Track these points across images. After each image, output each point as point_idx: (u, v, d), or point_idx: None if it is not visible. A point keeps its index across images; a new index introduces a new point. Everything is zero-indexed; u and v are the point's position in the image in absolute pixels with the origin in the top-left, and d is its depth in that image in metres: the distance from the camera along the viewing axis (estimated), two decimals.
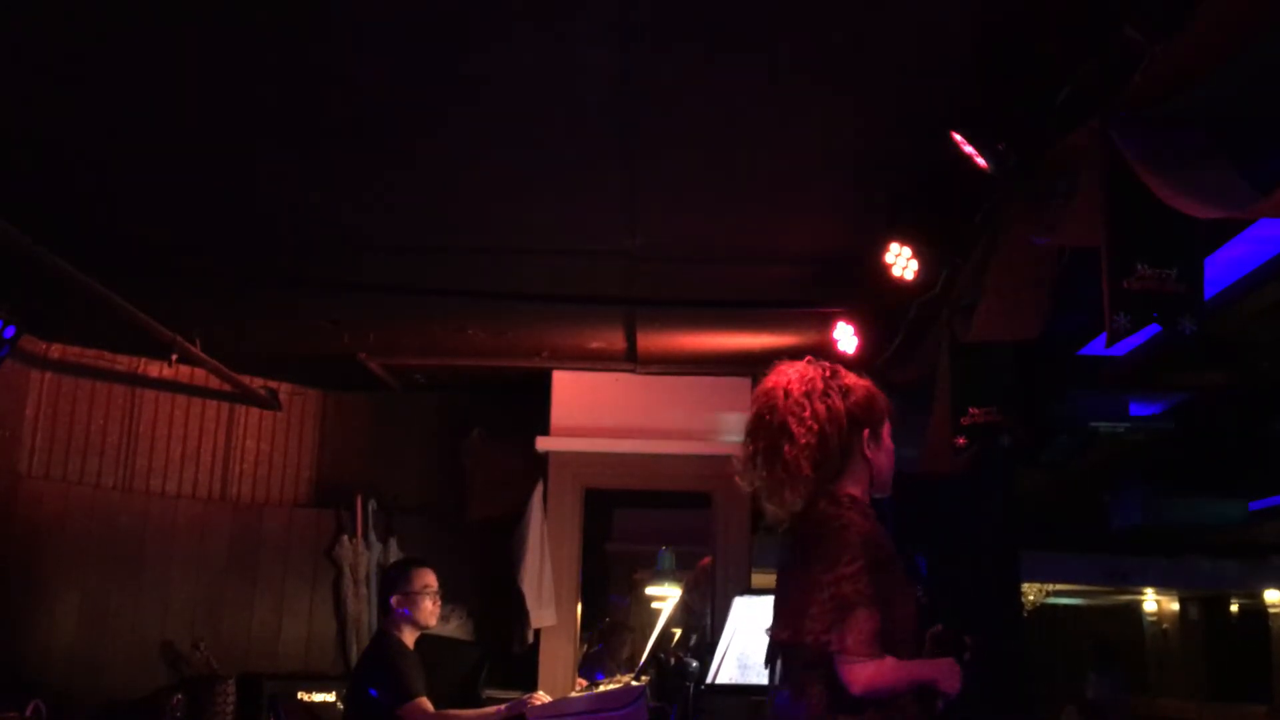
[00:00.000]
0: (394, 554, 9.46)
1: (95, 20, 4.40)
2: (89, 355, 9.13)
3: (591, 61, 4.62)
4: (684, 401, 9.16)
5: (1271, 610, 18.89)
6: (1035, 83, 4.23)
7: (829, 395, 3.41)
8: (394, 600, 5.99)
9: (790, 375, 3.47)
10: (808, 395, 3.42)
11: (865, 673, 3.13)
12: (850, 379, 3.49)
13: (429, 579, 6.07)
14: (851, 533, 3.24)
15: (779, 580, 3.50)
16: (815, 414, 3.38)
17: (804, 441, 3.36)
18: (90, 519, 8.93)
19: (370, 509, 9.69)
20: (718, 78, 4.75)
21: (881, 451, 3.47)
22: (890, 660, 3.17)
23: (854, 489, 3.41)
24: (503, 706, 6.03)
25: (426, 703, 5.73)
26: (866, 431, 3.42)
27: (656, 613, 9.80)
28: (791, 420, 3.39)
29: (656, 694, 7.09)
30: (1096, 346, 6.88)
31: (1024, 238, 4.69)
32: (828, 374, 3.48)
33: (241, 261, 7.16)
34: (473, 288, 7.43)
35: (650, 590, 11.21)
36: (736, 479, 3.55)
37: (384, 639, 6.03)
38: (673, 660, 7.58)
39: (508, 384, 9.60)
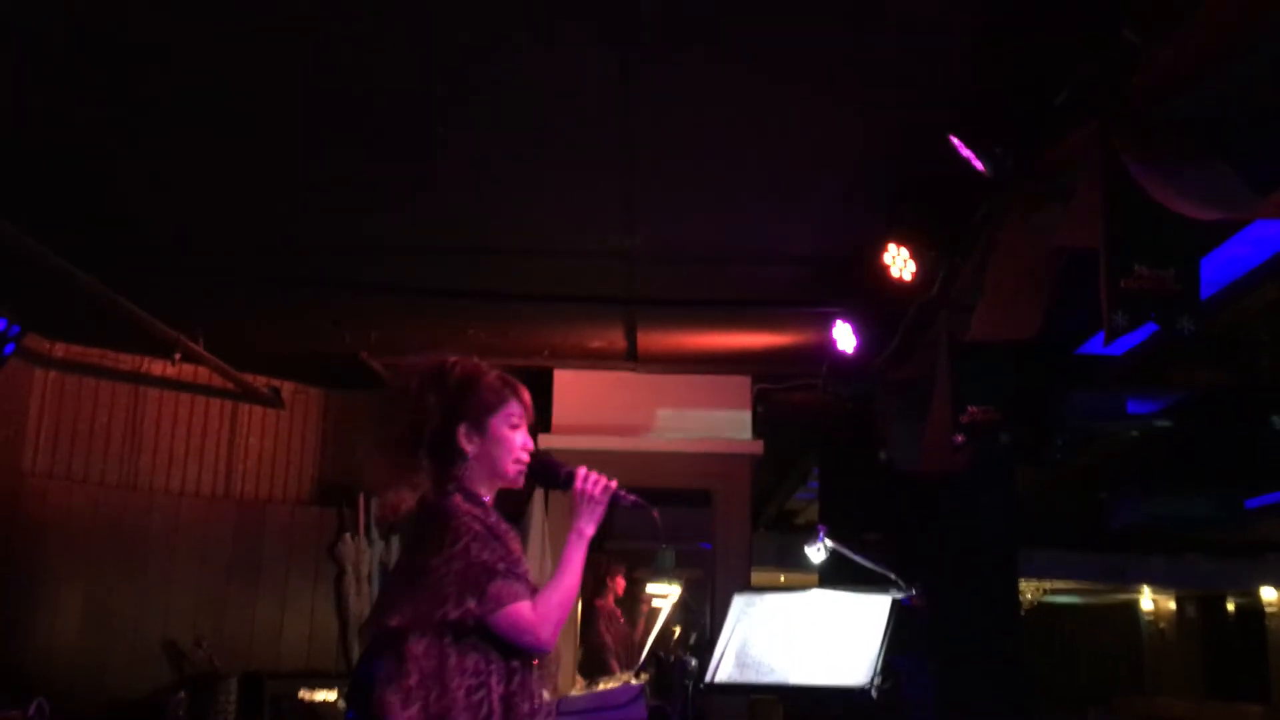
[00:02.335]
0: (395, 552, 9.45)
1: (103, 22, 4.42)
2: (93, 354, 9.14)
3: (592, 63, 4.64)
4: (684, 401, 9.18)
5: (1268, 609, 18.92)
6: (1033, 84, 4.25)
7: (428, 391, 3.36)
8: None
9: (407, 370, 3.45)
10: (401, 392, 3.42)
11: (535, 615, 3.17)
12: (453, 371, 3.41)
13: None
14: (453, 517, 3.21)
15: (393, 571, 3.43)
16: (414, 410, 3.35)
17: (394, 436, 3.34)
18: (94, 517, 8.94)
19: (373, 507, 9.70)
20: (717, 79, 4.76)
21: (487, 442, 3.36)
22: (545, 594, 3.22)
23: (467, 481, 3.34)
24: None
25: None
26: (462, 427, 3.33)
27: (656, 611, 9.82)
28: (389, 419, 3.40)
29: (656, 692, 7.11)
30: (1094, 346, 6.90)
31: (1022, 238, 4.70)
32: (427, 369, 3.42)
33: (244, 261, 7.17)
34: (474, 288, 7.45)
35: (650, 588, 11.24)
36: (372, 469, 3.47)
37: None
38: (672, 658, 7.61)
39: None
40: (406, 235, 6.74)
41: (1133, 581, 19.51)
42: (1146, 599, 20.94)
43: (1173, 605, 20.65)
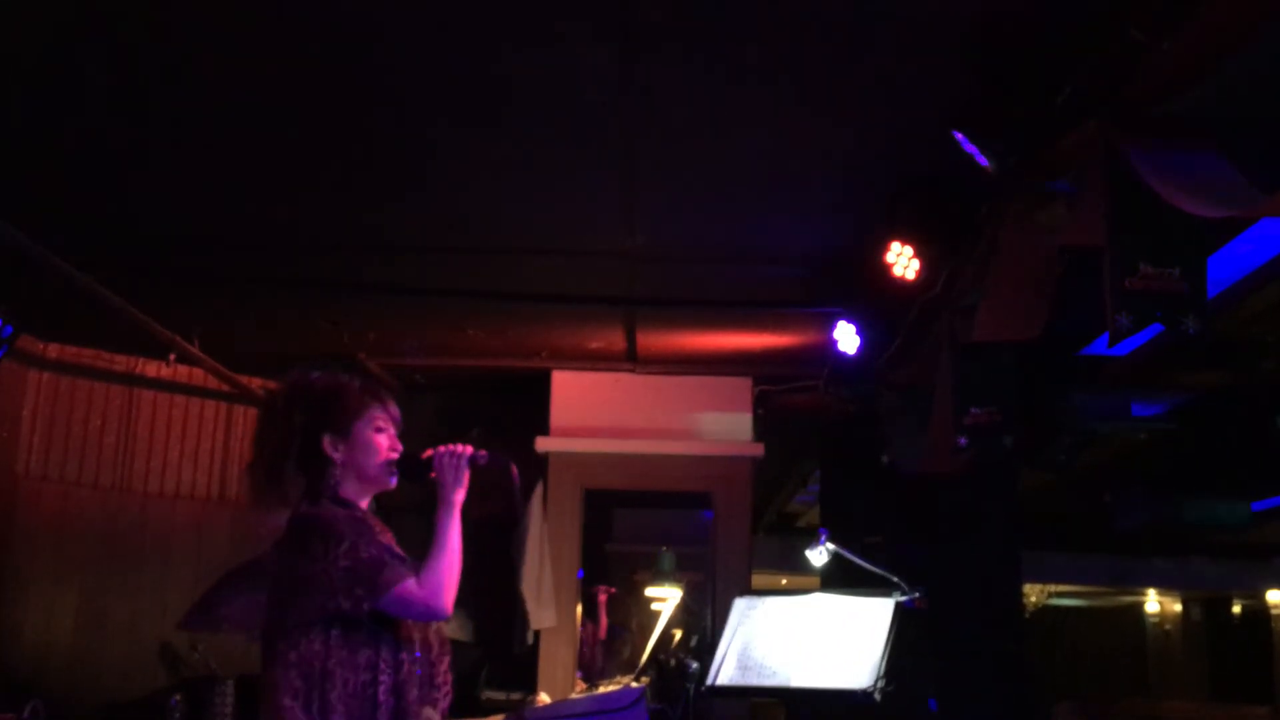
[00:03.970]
0: None
1: (100, 24, 4.42)
2: (87, 355, 9.10)
3: (592, 63, 4.62)
4: (684, 401, 9.15)
5: (1274, 611, 18.91)
6: (1037, 81, 4.23)
7: (293, 407, 3.50)
8: None
9: (266, 393, 3.64)
10: (269, 412, 3.58)
11: (423, 589, 3.32)
12: (313, 383, 3.56)
13: None
14: (328, 523, 3.34)
15: (273, 581, 3.49)
16: (271, 432, 3.50)
17: (263, 455, 3.50)
18: (88, 519, 8.90)
19: (370, 509, 9.65)
20: (717, 77, 4.74)
21: (354, 448, 3.50)
22: (426, 567, 3.37)
23: (338, 489, 3.48)
24: (502, 717, 6.01)
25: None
26: (326, 437, 3.46)
27: (656, 614, 9.79)
28: (259, 437, 3.56)
29: (657, 695, 7.09)
30: (1098, 346, 6.87)
31: (1025, 237, 4.67)
32: (289, 385, 3.57)
33: (240, 262, 7.15)
34: (472, 288, 7.43)
35: (650, 591, 11.21)
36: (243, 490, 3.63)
37: None
38: (673, 661, 7.57)
39: (507, 384, 9.59)
40: (405, 235, 6.72)
41: (1137, 584, 19.50)
42: (1152, 601, 20.93)
43: (1178, 608, 20.64)
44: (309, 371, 3.60)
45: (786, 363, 8.84)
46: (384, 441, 3.56)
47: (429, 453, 3.56)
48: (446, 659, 3.56)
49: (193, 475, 9.51)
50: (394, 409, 3.65)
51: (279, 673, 3.26)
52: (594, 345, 8.77)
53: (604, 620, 10.32)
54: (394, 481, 3.60)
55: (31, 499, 8.68)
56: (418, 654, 3.40)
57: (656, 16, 4.28)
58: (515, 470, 3.69)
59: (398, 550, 3.43)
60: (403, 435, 10.24)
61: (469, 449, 3.55)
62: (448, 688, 3.53)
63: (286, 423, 3.47)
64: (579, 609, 9.17)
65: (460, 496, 3.51)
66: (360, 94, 4.99)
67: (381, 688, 3.28)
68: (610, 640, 10.33)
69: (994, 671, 7.68)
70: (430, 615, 3.37)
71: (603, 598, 10.38)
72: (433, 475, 3.55)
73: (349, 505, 3.47)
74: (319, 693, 3.22)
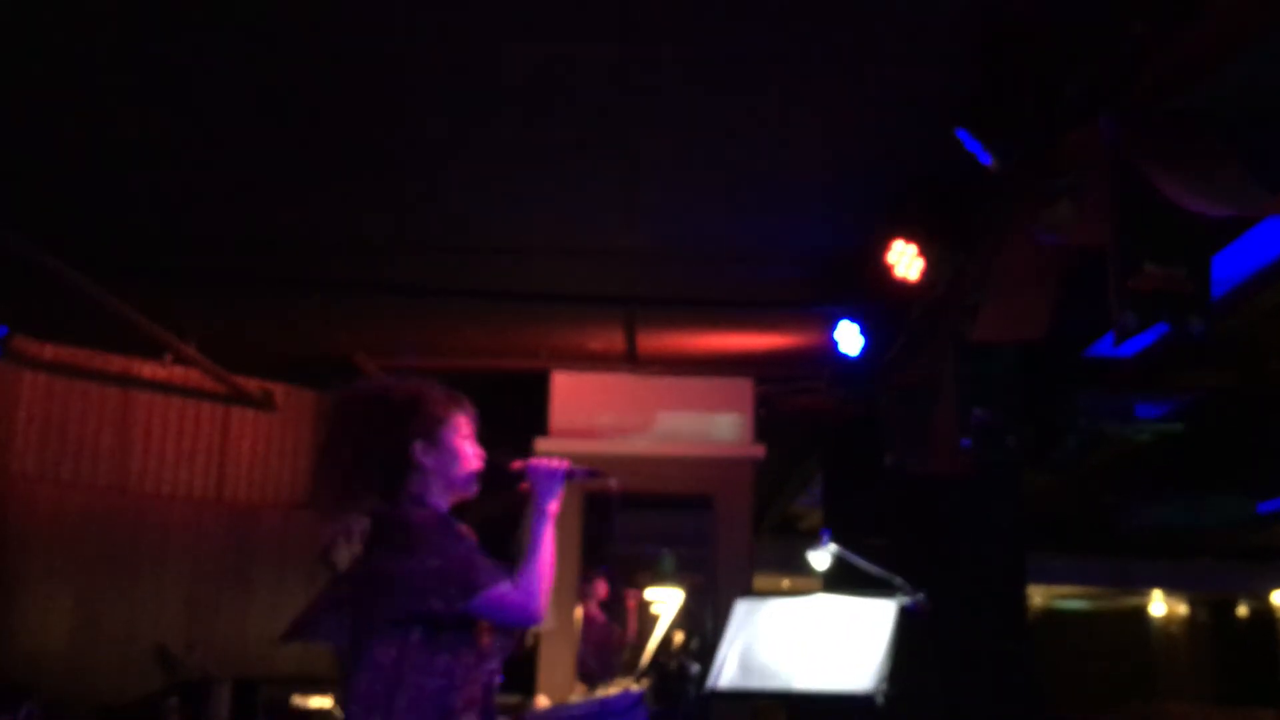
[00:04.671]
0: None
1: (99, 26, 4.44)
2: (82, 355, 9.09)
3: (592, 63, 4.64)
4: (684, 402, 9.14)
5: None
6: (1041, 80, 4.23)
7: (370, 413, 3.48)
8: None
9: (343, 395, 3.57)
10: (349, 415, 3.52)
11: (519, 593, 3.30)
12: (400, 390, 3.54)
13: None
14: (418, 523, 3.34)
15: (353, 584, 3.54)
16: (353, 433, 3.47)
17: (344, 464, 3.45)
18: (84, 521, 8.90)
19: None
20: (718, 77, 4.75)
21: (443, 455, 3.48)
22: (523, 572, 3.35)
23: (421, 494, 3.46)
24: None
25: None
26: (418, 444, 3.44)
27: (656, 616, 9.77)
28: (336, 438, 3.51)
29: (658, 698, 7.06)
30: (1103, 347, 6.85)
31: (1030, 236, 4.66)
32: (376, 390, 3.56)
33: (239, 262, 7.14)
34: (472, 288, 7.42)
35: (650, 593, 11.18)
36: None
37: None
38: (674, 664, 7.54)
39: (507, 384, 9.57)
40: (405, 235, 6.74)
41: (1142, 586, 19.54)
42: (1157, 604, 20.95)
43: (1183, 610, 20.65)
44: (385, 377, 3.61)
45: (788, 364, 8.84)
46: (470, 449, 3.55)
47: (518, 464, 3.56)
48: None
49: (189, 476, 9.50)
50: (474, 417, 3.63)
51: (356, 676, 3.28)
52: (594, 345, 8.76)
53: (633, 625, 10.30)
54: (476, 489, 3.59)
55: (26, 500, 8.67)
56: (491, 664, 3.38)
57: (657, 16, 4.29)
58: (615, 483, 3.71)
59: (485, 555, 3.42)
60: None
61: (566, 464, 3.53)
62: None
63: (370, 428, 3.46)
64: (579, 612, 9.14)
65: (555, 507, 3.50)
66: (361, 95, 5.01)
67: (455, 695, 3.26)
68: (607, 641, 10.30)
69: (998, 675, 7.65)
70: (525, 620, 3.35)
71: (631, 604, 10.34)
72: (522, 486, 3.55)
73: (434, 509, 3.47)
74: (387, 699, 3.22)
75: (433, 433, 3.45)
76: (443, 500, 3.48)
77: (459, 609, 3.23)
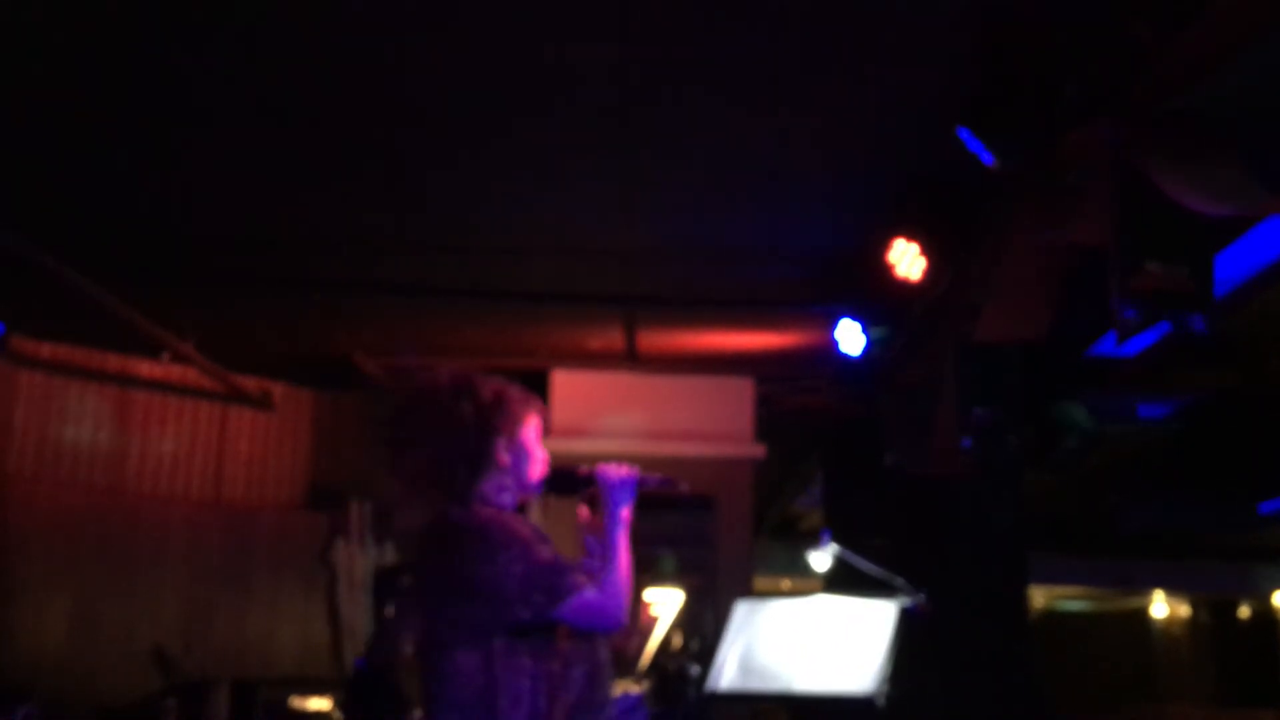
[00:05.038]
0: (389, 557, 9.42)
1: (97, 27, 4.45)
2: (79, 355, 9.09)
3: (592, 62, 4.65)
4: (684, 402, 9.15)
5: None
6: (1043, 78, 4.22)
7: (455, 406, 3.45)
8: (386, 611, 5.93)
9: (419, 387, 3.55)
10: (430, 408, 3.49)
11: (602, 597, 3.31)
12: (483, 385, 3.51)
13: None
14: (496, 525, 3.31)
15: (422, 588, 3.51)
16: (434, 426, 3.44)
17: (423, 454, 3.43)
18: (81, 521, 8.89)
19: (366, 512, 9.64)
20: (718, 75, 4.76)
21: (519, 454, 3.48)
22: (606, 577, 3.36)
23: (491, 492, 3.44)
24: None
25: None
26: (500, 440, 3.43)
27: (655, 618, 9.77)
28: (413, 433, 3.48)
29: (658, 700, 7.05)
30: (1104, 347, 6.85)
31: (1031, 236, 4.66)
32: (459, 383, 3.51)
33: (238, 261, 7.16)
34: (472, 287, 7.45)
35: (650, 595, 11.17)
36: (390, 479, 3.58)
37: (381, 646, 5.96)
38: (673, 666, 7.53)
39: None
40: (405, 235, 6.74)
41: (1143, 587, 19.54)
42: (1158, 605, 20.94)
43: (1185, 611, 20.65)
44: (465, 372, 3.56)
45: (788, 363, 8.86)
46: (541, 452, 3.56)
47: (586, 470, 3.54)
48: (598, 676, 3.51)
49: (186, 476, 9.49)
50: (546, 419, 3.63)
51: (437, 686, 3.26)
52: (594, 345, 8.78)
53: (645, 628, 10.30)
54: (540, 491, 3.60)
55: (23, 500, 8.65)
56: (575, 670, 3.34)
57: (657, 17, 4.30)
58: (686, 486, 3.66)
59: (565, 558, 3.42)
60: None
61: (636, 471, 3.54)
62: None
63: (457, 418, 3.43)
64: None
65: (628, 514, 3.49)
66: (361, 95, 5.02)
67: (541, 697, 3.25)
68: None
69: (999, 676, 7.65)
70: (608, 624, 3.35)
71: (645, 608, 10.34)
72: (591, 491, 3.55)
73: (504, 509, 3.46)
74: (486, 704, 3.21)
75: (513, 431, 3.45)
76: (510, 500, 3.47)
77: (546, 616, 3.22)
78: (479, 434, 3.40)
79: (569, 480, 3.58)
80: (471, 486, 3.40)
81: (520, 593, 3.19)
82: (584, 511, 3.63)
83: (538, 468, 3.50)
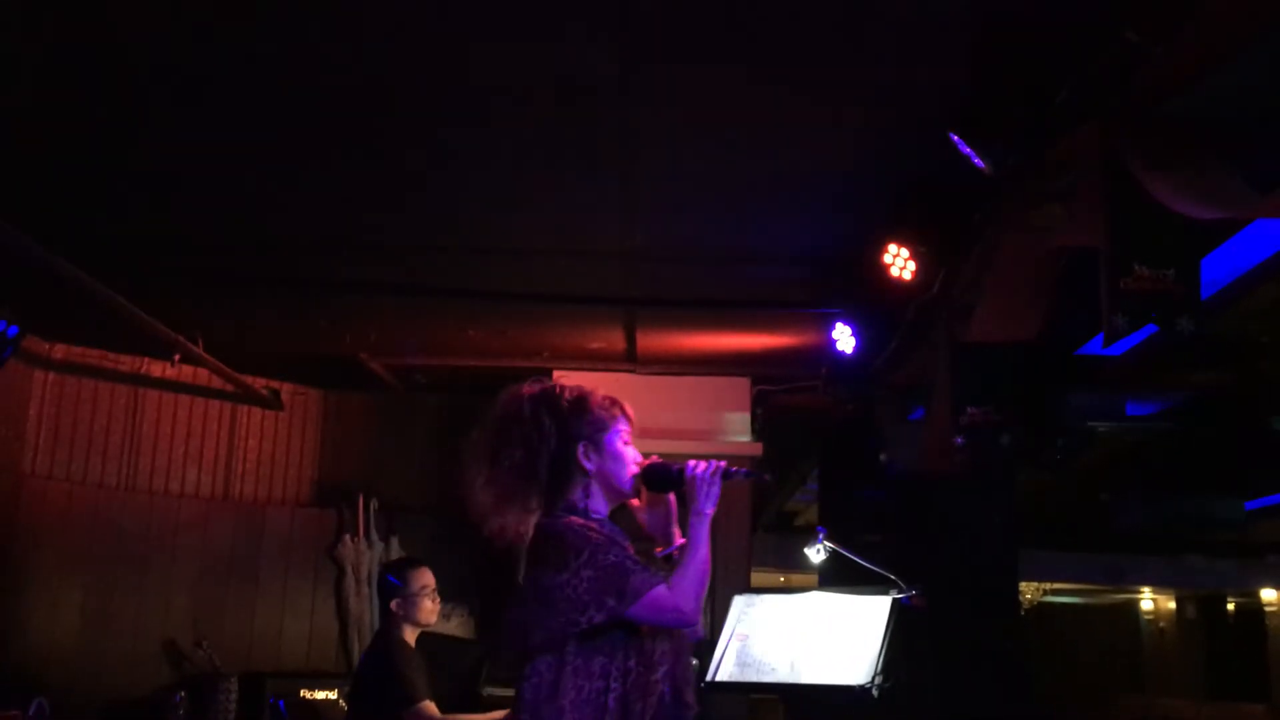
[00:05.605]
0: (395, 553, 9.47)
1: (100, 25, 4.43)
2: (92, 355, 9.15)
3: (592, 62, 4.63)
4: (684, 401, 9.16)
5: (1268, 609, 18.93)
6: (1034, 83, 4.23)
7: (536, 416, 3.50)
8: (394, 604, 5.97)
9: (504, 397, 3.59)
10: (512, 419, 3.53)
11: (673, 595, 3.33)
12: (563, 394, 3.57)
13: (426, 578, 6.04)
14: (570, 533, 3.37)
15: (518, 595, 3.55)
16: (516, 437, 3.49)
17: (510, 465, 3.48)
18: (93, 518, 8.94)
19: (372, 508, 9.71)
20: (717, 78, 4.75)
21: (605, 458, 3.52)
22: (677, 574, 3.38)
23: (580, 499, 3.50)
24: (507, 712, 6.02)
25: (432, 706, 5.70)
26: (582, 446, 3.48)
27: None
28: (497, 444, 3.52)
29: None
30: (1094, 347, 6.90)
31: (1023, 238, 4.70)
32: (539, 394, 3.56)
33: (243, 262, 7.18)
34: (473, 288, 7.44)
35: None
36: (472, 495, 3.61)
37: (386, 640, 6.00)
38: None
39: (508, 384, 9.59)
40: (406, 235, 6.73)
41: (1133, 582, 19.50)
42: (1147, 599, 20.95)
43: (1173, 605, 20.65)
44: (545, 380, 3.62)
45: (785, 363, 8.84)
46: (631, 454, 3.58)
47: (684, 464, 3.56)
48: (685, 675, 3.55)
49: (197, 474, 9.56)
50: (634, 419, 3.65)
51: (521, 685, 3.32)
52: (594, 345, 8.79)
53: None
54: (638, 493, 3.62)
55: (37, 498, 8.72)
56: (654, 663, 3.38)
57: (656, 16, 4.29)
58: (768, 478, 3.71)
59: (640, 559, 3.43)
60: (406, 435, 10.23)
61: (723, 464, 3.55)
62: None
63: (539, 429, 3.48)
64: None
65: (711, 509, 3.50)
66: (361, 94, 5.00)
67: (611, 696, 3.28)
68: None
69: (991, 668, 7.70)
70: (679, 622, 3.37)
71: None
72: (689, 478, 3.54)
73: (591, 515, 3.50)
74: (552, 703, 3.24)
75: (597, 437, 3.50)
76: (603, 505, 3.53)
77: (620, 616, 3.26)
78: (560, 443, 3.46)
79: (662, 478, 3.60)
80: (559, 496, 3.47)
81: (592, 596, 3.25)
82: (634, 502, 3.67)
83: (628, 470, 3.54)
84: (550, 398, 3.54)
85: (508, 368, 9.14)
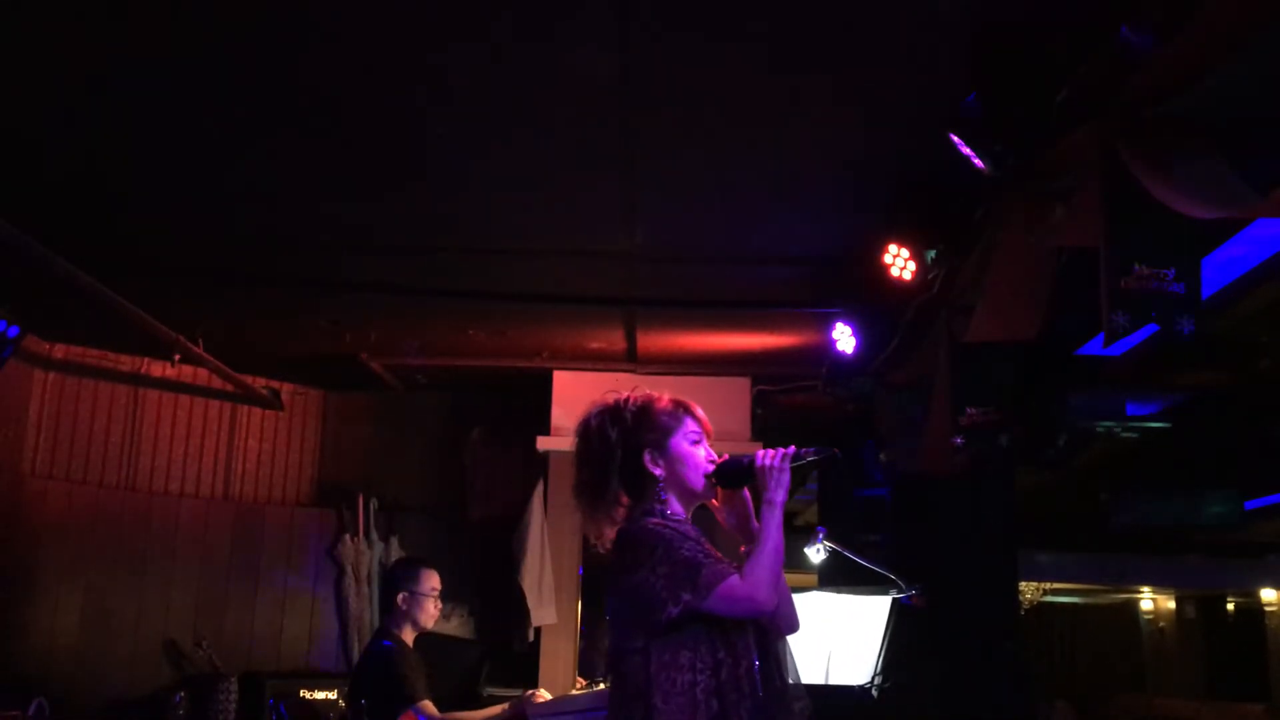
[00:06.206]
0: (395, 553, 9.49)
1: (100, 24, 4.44)
2: (92, 355, 9.17)
3: (591, 62, 4.64)
4: None
5: (1267, 609, 18.89)
6: (1034, 83, 4.23)
7: (603, 431, 3.59)
8: (400, 598, 5.98)
9: (581, 422, 3.68)
10: (585, 434, 3.64)
11: (746, 585, 3.35)
12: (626, 406, 3.63)
13: (436, 581, 6.08)
14: (644, 533, 3.43)
15: (612, 600, 3.58)
16: (588, 454, 3.60)
17: (586, 478, 3.60)
18: (93, 518, 8.96)
19: (372, 508, 9.72)
20: (717, 78, 4.76)
21: (672, 462, 3.57)
22: (749, 563, 3.41)
23: (657, 504, 3.54)
24: (504, 706, 6.03)
25: (430, 706, 5.71)
26: (646, 453, 3.54)
27: None
28: (579, 459, 3.64)
29: None
30: (1094, 346, 6.90)
31: (1022, 238, 4.69)
32: (604, 408, 3.65)
33: (243, 262, 7.18)
34: (473, 288, 7.46)
35: None
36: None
37: (385, 640, 6.00)
38: None
39: (508, 384, 9.62)
40: (406, 235, 6.74)
41: (1133, 582, 19.45)
42: (1147, 599, 20.91)
43: (1172, 605, 20.61)
44: (611, 399, 3.67)
45: (785, 363, 8.85)
46: (701, 453, 3.61)
47: (753, 454, 3.59)
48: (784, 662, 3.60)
49: (197, 474, 9.58)
50: (704, 419, 3.69)
51: (611, 682, 3.42)
52: (594, 345, 8.81)
53: None
54: (715, 491, 3.65)
55: (37, 498, 8.73)
56: (740, 655, 3.40)
57: (656, 16, 4.30)
58: (838, 452, 3.68)
59: (715, 552, 3.47)
60: (406, 435, 10.23)
61: (791, 449, 3.57)
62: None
63: (604, 443, 3.56)
64: (579, 607, 9.23)
65: (782, 496, 3.52)
66: (362, 94, 5.01)
67: (699, 688, 3.29)
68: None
69: (991, 668, 7.69)
70: (754, 611, 3.39)
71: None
72: (758, 468, 3.57)
73: (668, 517, 3.53)
74: (643, 701, 3.27)
75: (661, 442, 3.55)
76: (681, 508, 3.57)
77: (697, 609, 3.29)
78: (626, 454, 3.54)
79: (735, 473, 3.62)
80: (637, 503, 3.54)
81: (669, 591, 3.28)
82: (713, 502, 3.68)
83: (698, 470, 3.57)
84: (615, 411, 3.61)
85: (508, 368, 9.17)
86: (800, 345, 8.34)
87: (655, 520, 3.48)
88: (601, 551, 3.61)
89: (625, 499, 3.57)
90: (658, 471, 3.53)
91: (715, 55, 4.60)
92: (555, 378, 9.26)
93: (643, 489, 3.55)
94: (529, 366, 9.19)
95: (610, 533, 3.56)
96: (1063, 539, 15.75)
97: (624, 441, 3.55)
